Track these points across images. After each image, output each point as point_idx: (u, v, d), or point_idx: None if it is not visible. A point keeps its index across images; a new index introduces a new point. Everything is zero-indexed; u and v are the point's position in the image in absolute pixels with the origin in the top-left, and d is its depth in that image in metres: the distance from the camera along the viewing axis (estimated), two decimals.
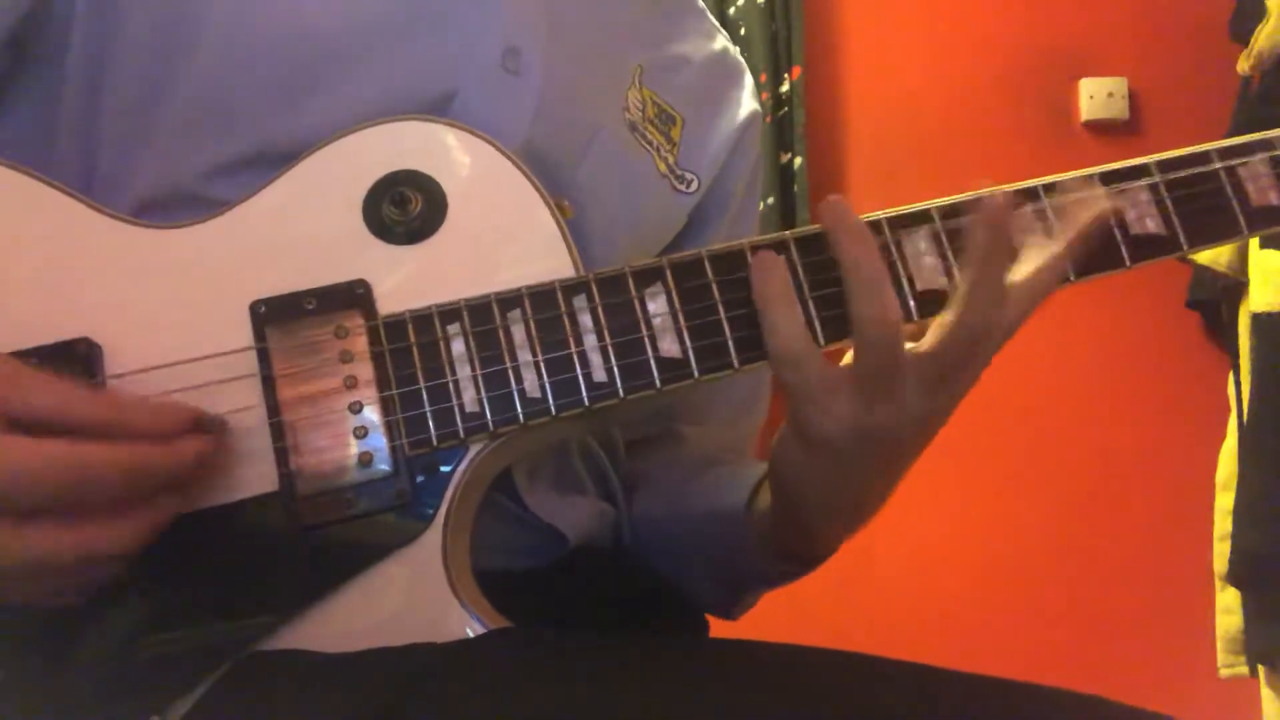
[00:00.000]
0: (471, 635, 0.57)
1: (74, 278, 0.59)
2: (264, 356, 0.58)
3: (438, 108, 0.65)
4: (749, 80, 0.89)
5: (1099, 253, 0.61)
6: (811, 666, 0.55)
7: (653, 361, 0.59)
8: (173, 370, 0.57)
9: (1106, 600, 2.11)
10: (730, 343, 0.59)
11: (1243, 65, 1.83)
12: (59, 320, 0.57)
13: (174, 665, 0.55)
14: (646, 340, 0.59)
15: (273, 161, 0.62)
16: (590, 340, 0.59)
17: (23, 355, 0.55)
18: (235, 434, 0.57)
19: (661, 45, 0.82)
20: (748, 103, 0.88)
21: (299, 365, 0.58)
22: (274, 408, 0.57)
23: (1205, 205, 0.63)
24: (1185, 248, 0.62)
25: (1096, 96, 2.19)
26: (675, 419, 0.83)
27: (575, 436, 0.74)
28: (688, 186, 0.79)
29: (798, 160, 2.12)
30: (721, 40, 0.88)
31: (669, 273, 0.60)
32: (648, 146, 0.77)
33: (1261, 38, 1.76)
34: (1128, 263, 0.62)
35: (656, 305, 0.59)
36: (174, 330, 0.58)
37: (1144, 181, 0.63)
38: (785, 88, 2.15)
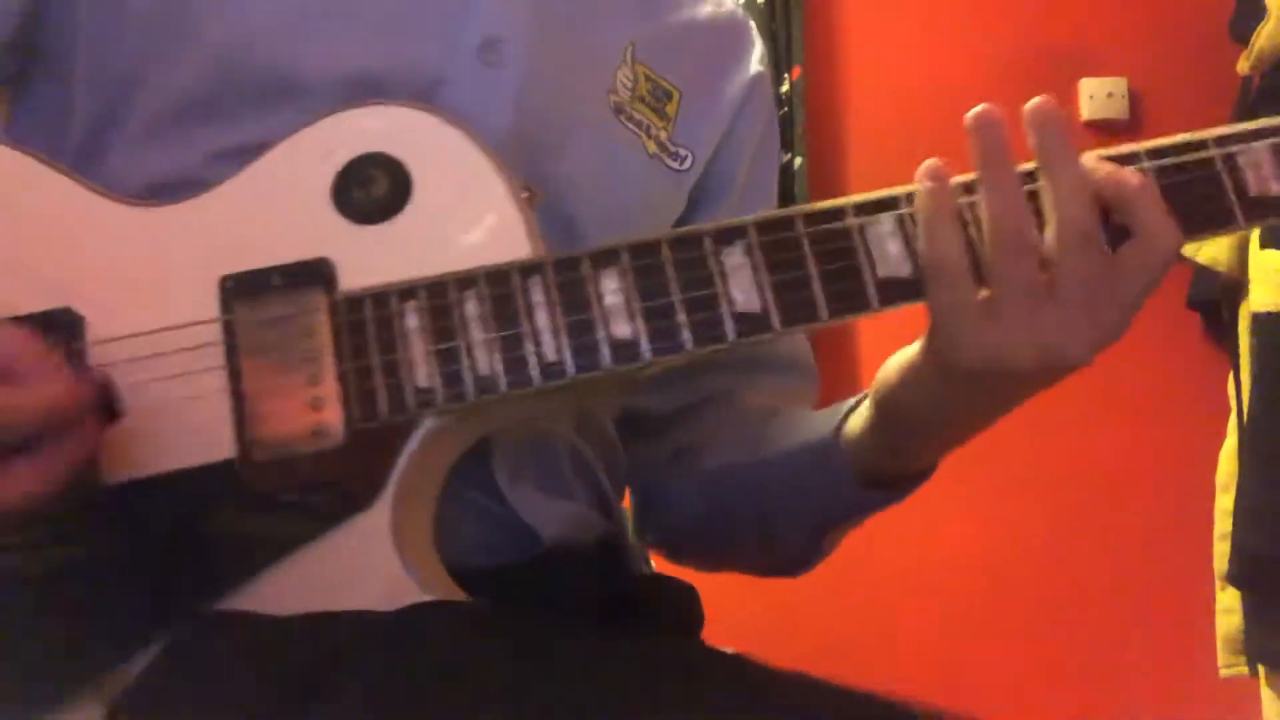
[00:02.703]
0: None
1: (61, 250, 0.63)
2: (229, 328, 0.60)
3: (423, 97, 0.67)
4: (758, 46, 0.87)
5: None
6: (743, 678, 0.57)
7: (604, 342, 0.59)
8: (148, 338, 0.60)
9: (1106, 600, 2.11)
10: (685, 326, 0.59)
11: (1243, 65, 1.83)
12: (44, 290, 0.61)
13: (127, 625, 0.57)
14: (599, 321, 0.59)
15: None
16: (542, 320, 0.59)
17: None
18: (198, 401, 0.60)
19: (661, 15, 0.81)
20: (753, 68, 0.85)
21: (262, 338, 0.60)
22: (235, 377, 0.60)
23: (1197, 194, 0.60)
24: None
25: (1097, 96, 2.19)
26: (722, 371, 0.82)
27: (544, 415, 0.73)
28: (681, 163, 0.78)
29: (798, 160, 2.12)
30: (728, 5, 0.86)
31: (625, 254, 0.60)
32: (634, 128, 0.76)
33: (1262, 38, 1.76)
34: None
35: (610, 286, 0.59)
36: (151, 302, 0.61)
37: (1131, 169, 0.60)
38: (785, 88, 2.15)
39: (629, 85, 0.76)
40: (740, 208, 0.83)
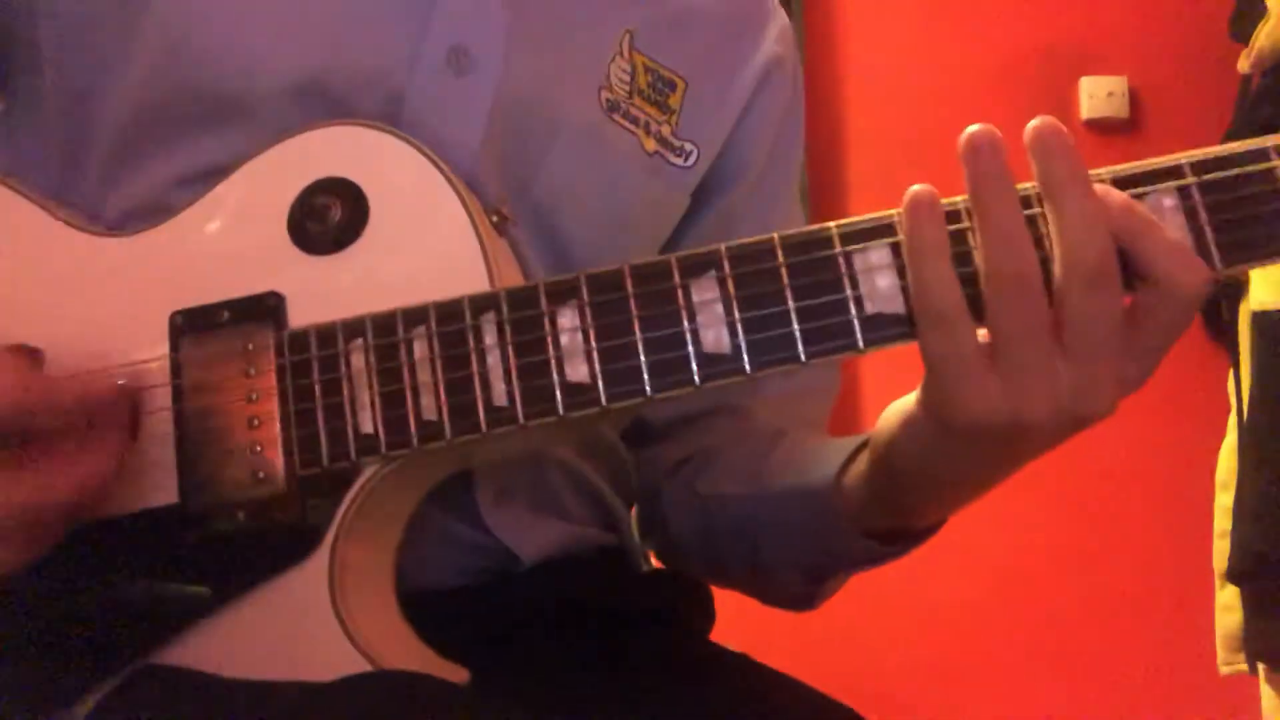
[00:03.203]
0: (350, 671, 0.55)
1: (22, 279, 0.61)
2: (176, 368, 0.58)
3: (388, 111, 0.63)
4: (776, 23, 0.80)
5: None
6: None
7: (557, 386, 0.54)
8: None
9: (1105, 597, 2.11)
10: (646, 369, 0.54)
11: (1243, 64, 1.83)
12: (4, 323, 0.59)
13: (65, 671, 0.56)
14: (553, 363, 0.54)
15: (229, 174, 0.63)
16: (494, 361, 0.55)
17: None
18: (144, 443, 0.58)
19: (664, 1, 0.74)
20: (769, 49, 0.78)
21: (207, 377, 0.58)
22: (180, 419, 0.58)
23: (1253, 214, 0.50)
24: (1219, 266, 0.50)
25: (1096, 95, 2.19)
26: (729, 391, 0.77)
27: (515, 455, 0.68)
28: (685, 159, 0.73)
29: None
30: None
31: (585, 288, 0.55)
32: (631, 126, 0.70)
33: (1262, 37, 1.75)
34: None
35: (567, 323, 0.55)
36: (107, 335, 0.59)
37: (1171, 184, 0.51)
38: None
39: (626, 79, 0.71)
40: (755, 194, 0.78)
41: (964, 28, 2.23)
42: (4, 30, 0.68)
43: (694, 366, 0.54)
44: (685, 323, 0.54)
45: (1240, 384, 1.75)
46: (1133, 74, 2.20)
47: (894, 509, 0.62)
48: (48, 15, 0.66)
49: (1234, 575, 1.64)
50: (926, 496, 0.60)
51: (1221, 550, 1.69)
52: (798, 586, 0.72)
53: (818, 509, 0.65)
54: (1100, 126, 2.19)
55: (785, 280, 0.53)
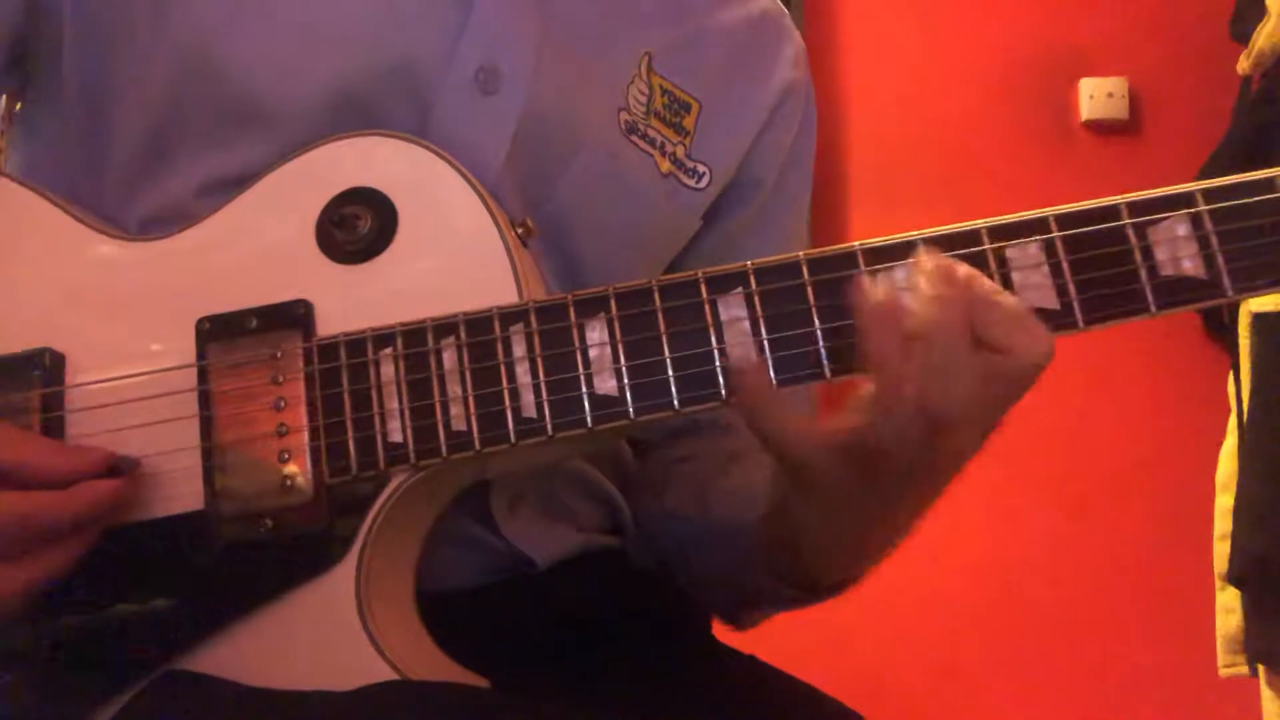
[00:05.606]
0: (375, 680, 0.55)
1: (47, 283, 0.61)
2: (203, 374, 0.58)
3: (414, 123, 0.64)
4: (791, 46, 0.80)
5: (1115, 296, 0.53)
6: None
7: (585, 398, 0.55)
8: (126, 383, 0.58)
9: (1106, 599, 2.11)
10: (672, 381, 0.55)
11: (1243, 65, 1.83)
12: (28, 327, 0.59)
13: (90, 677, 0.56)
14: (582, 376, 0.55)
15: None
16: (522, 373, 0.56)
17: None
18: (170, 451, 0.58)
19: (682, 20, 0.74)
20: (784, 74, 0.78)
21: (235, 384, 0.58)
22: (207, 426, 0.57)
23: (1264, 241, 0.52)
24: (1229, 292, 0.52)
25: (1096, 96, 2.19)
26: None
27: (535, 465, 0.69)
28: (697, 181, 0.73)
29: None
30: (762, 2, 0.79)
31: (613, 302, 0.56)
32: (647, 147, 0.71)
33: (1262, 38, 1.75)
34: (1152, 309, 0.53)
35: (596, 337, 0.55)
36: (132, 340, 0.59)
37: (1184, 211, 0.53)
38: None
39: (643, 100, 0.71)
40: (761, 217, 0.79)
41: (964, 29, 2.23)
42: (29, 30, 0.68)
43: (721, 381, 0.54)
44: (713, 338, 0.55)
45: (1240, 385, 1.75)
46: (1133, 75, 2.19)
47: (793, 554, 0.62)
48: (75, 12, 0.66)
49: (1234, 577, 1.64)
50: (806, 544, 0.60)
51: (1222, 552, 1.69)
52: (726, 607, 0.74)
53: (741, 547, 0.65)
54: (1100, 128, 2.19)
55: (811, 299, 0.54)
